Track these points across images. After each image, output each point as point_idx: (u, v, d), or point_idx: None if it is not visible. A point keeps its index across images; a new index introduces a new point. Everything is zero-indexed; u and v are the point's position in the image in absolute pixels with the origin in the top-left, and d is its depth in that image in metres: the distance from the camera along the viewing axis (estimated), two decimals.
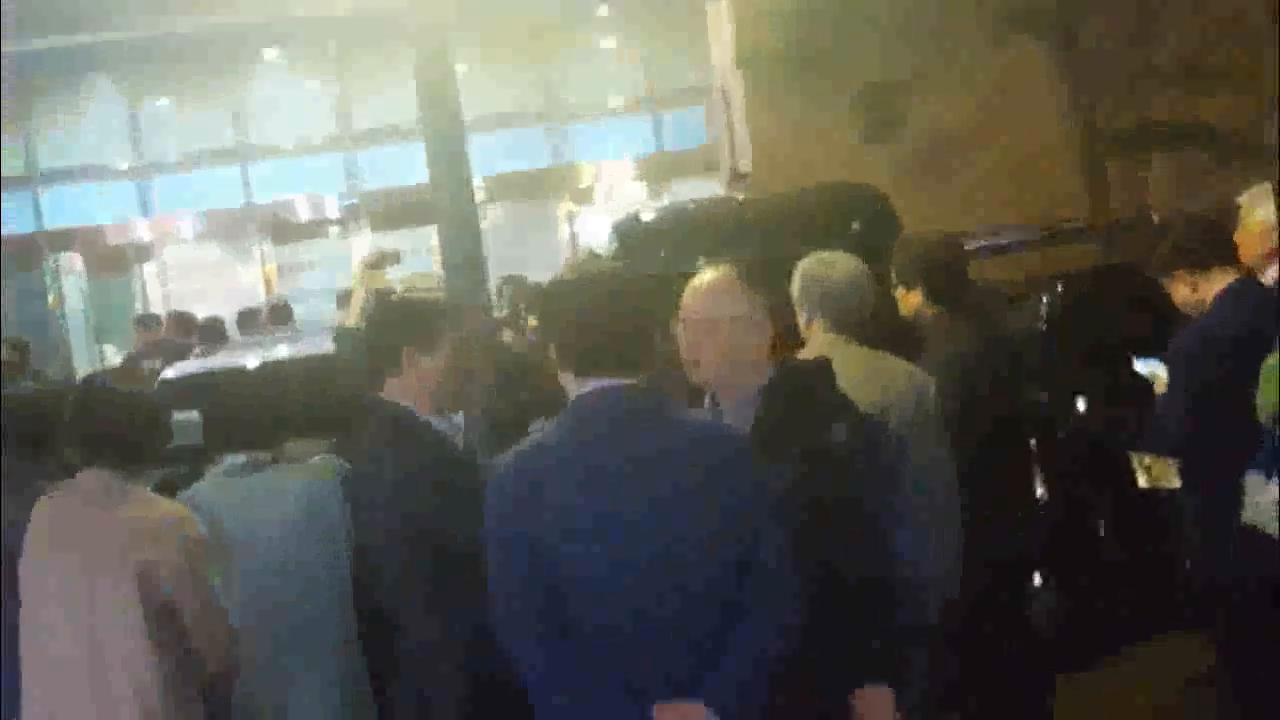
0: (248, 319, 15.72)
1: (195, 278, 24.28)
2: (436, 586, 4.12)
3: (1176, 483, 7.23)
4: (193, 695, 4.42)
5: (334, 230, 25.23)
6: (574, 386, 3.62)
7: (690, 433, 3.63)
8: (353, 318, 7.07)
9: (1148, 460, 7.43)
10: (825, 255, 5.18)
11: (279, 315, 15.65)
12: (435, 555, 4.11)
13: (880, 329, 5.94)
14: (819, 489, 3.91)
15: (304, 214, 24.93)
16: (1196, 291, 5.41)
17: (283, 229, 24.83)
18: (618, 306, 3.59)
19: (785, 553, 3.60)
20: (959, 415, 5.64)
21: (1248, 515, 5.05)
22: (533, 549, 3.47)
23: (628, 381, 3.57)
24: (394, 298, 4.79)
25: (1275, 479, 4.88)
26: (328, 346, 10.85)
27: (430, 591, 4.12)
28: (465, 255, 5.97)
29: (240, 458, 4.86)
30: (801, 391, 4.11)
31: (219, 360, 11.63)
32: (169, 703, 4.33)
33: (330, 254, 24.96)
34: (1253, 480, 5.03)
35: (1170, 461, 7.29)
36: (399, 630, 4.20)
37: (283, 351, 11.96)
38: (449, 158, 6.06)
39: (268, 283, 24.15)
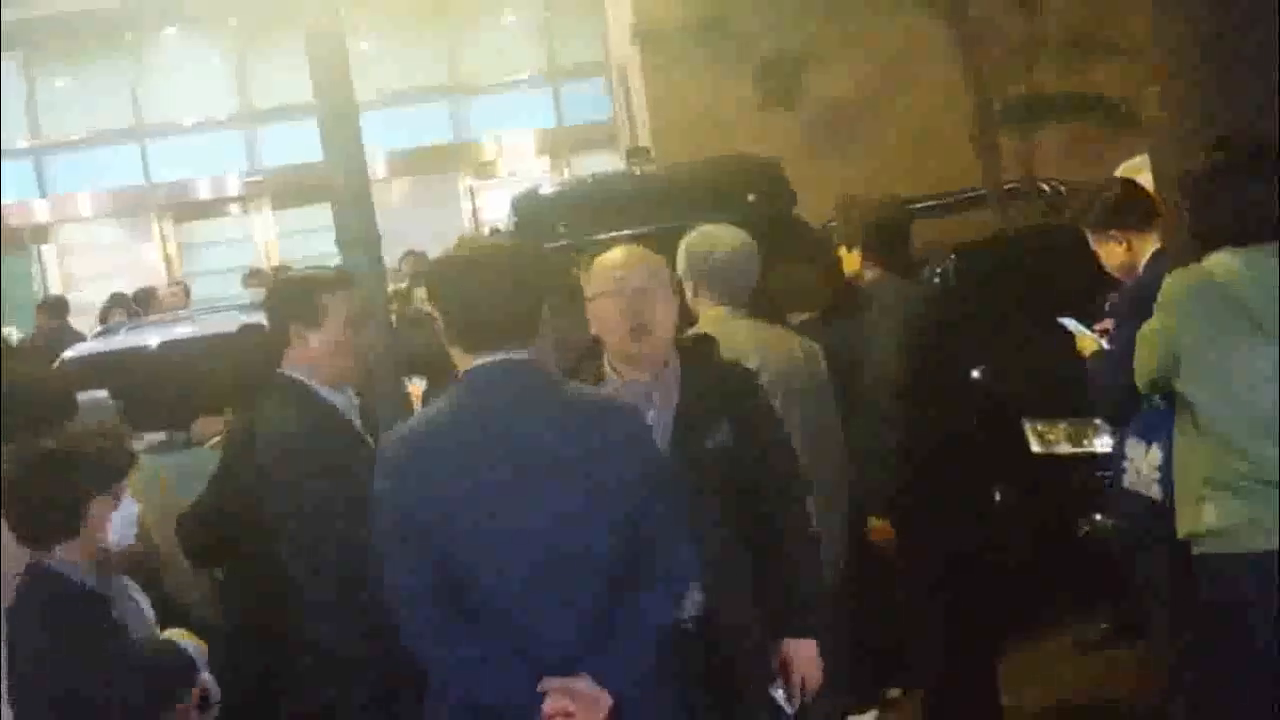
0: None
1: (95, 257, 24.02)
2: (321, 555, 4.18)
3: (1068, 449, 7.49)
4: None
5: (235, 208, 25.03)
6: (462, 361, 3.65)
7: (579, 406, 3.67)
8: None
9: (1040, 426, 7.61)
10: (710, 229, 5.23)
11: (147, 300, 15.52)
12: (319, 524, 4.19)
13: (817, 290, 6.12)
14: (746, 454, 4.10)
15: (204, 192, 24.72)
16: (1130, 252, 5.46)
17: (183, 208, 24.60)
18: (505, 281, 3.60)
19: (676, 522, 3.67)
20: (909, 371, 5.84)
21: (1129, 480, 5.21)
22: (421, 524, 3.49)
23: (516, 355, 3.60)
24: (283, 275, 4.87)
25: (1155, 444, 5.04)
26: (231, 325, 10.90)
27: (315, 559, 4.20)
28: (360, 231, 6.02)
29: (159, 436, 4.97)
30: (715, 365, 4.28)
31: (120, 340, 11.56)
32: None
33: (232, 232, 24.78)
34: (1133, 445, 5.19)
35: (1063, 425, 7.53)
36: (290, 597, 4.27)
37: (184, 331, 11.90)
38: (342, 134, 6.10)
39: (168, 262, 23.93)
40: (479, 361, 3.61)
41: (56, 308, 15.39)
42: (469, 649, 3.49)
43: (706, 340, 4.40)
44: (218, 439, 5.50)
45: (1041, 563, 7.55)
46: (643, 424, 3.81)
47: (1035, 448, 7.68)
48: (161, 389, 5.22)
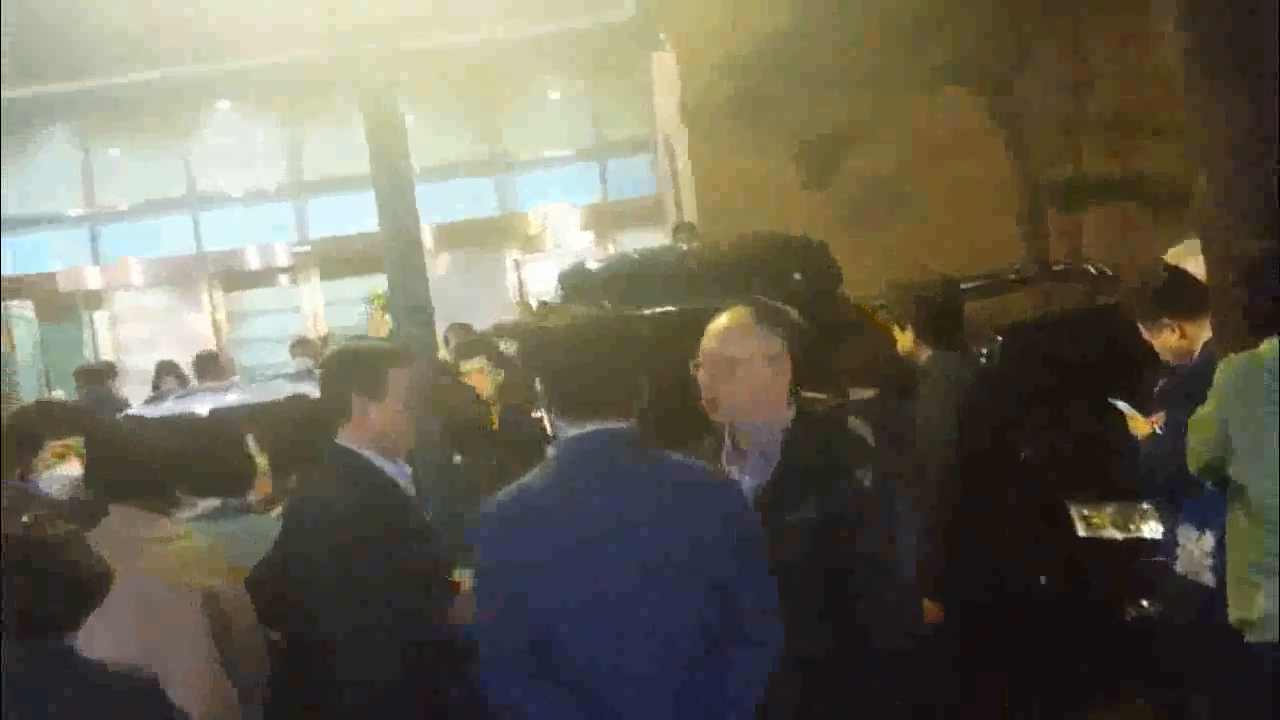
0: (206, 363, 15.69)
1: (145, 324, 24.25)
2: (376, 627, 4.17)
3: (1116, 534, 7.43)
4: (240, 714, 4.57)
5: (283, 278, 25.24)
6: (563, 430, 3.67)
7: (677, 478, 3.66)
8: None
9: (1086, 510, 7.57)
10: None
11: (204, 366, 15.60)
12: (376, 596, 4.17)
13: (878, 369, 6.14)
14: (841, 534, 4.00)
15: (254, 262, 24.95)
16: (1184, 338, 5.44)
17: (233, 276, 24.83)
18: (607, 352, 3.64)
19: (769, 601, 3.66)
20: (961, 450, 5.84)
21: (1181, 566, 5.18)
22: (514, 589, 3.51)
23: (616, 426, 3.62)
24: (341, 346, 4.89)
25: (1208, 530, 5.01)
26: (284, 391, 10.98)
27: (370, 631, 4.18)
28: (413, 303, 6.07)
29: (214, 502, 5.01)
30: (824, 435, 4.19)
31: (168, 407, 11.65)
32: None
33: (280, 302, 24.97)
34: (1185, 532, 5.16)
35: (1109, 509, 7.48)
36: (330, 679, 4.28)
37: (232, 399, 11.99)
38: (398, 207, 6.17)
39: (217, 329, 24.13)
40: (576, 431, 3.63)
41: (98, 374, 15.50)
42: (555, 715, 3.51)
43: (827, 413, 4.36)
44: (276, 509, 5.54)
45: (1086, 648, 7.48)
46: (738, 498, 3.78)
47: (1081, 531, 7.61)
48: (213, 456, 5.23)
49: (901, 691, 4.18)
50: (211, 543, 4.78)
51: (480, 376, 8.16)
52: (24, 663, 3.52)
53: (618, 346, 3.67)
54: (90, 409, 11.30)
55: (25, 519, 3.65)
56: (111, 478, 4.71)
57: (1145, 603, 7.07)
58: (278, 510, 5.62)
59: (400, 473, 4.48)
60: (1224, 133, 5.12)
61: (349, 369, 4.50)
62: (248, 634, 4.64)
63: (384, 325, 8.09)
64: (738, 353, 4.08)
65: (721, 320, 4.16)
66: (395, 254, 6.10)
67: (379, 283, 14.38)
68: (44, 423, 6.06)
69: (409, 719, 4.14)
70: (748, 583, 3.63)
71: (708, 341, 4.15)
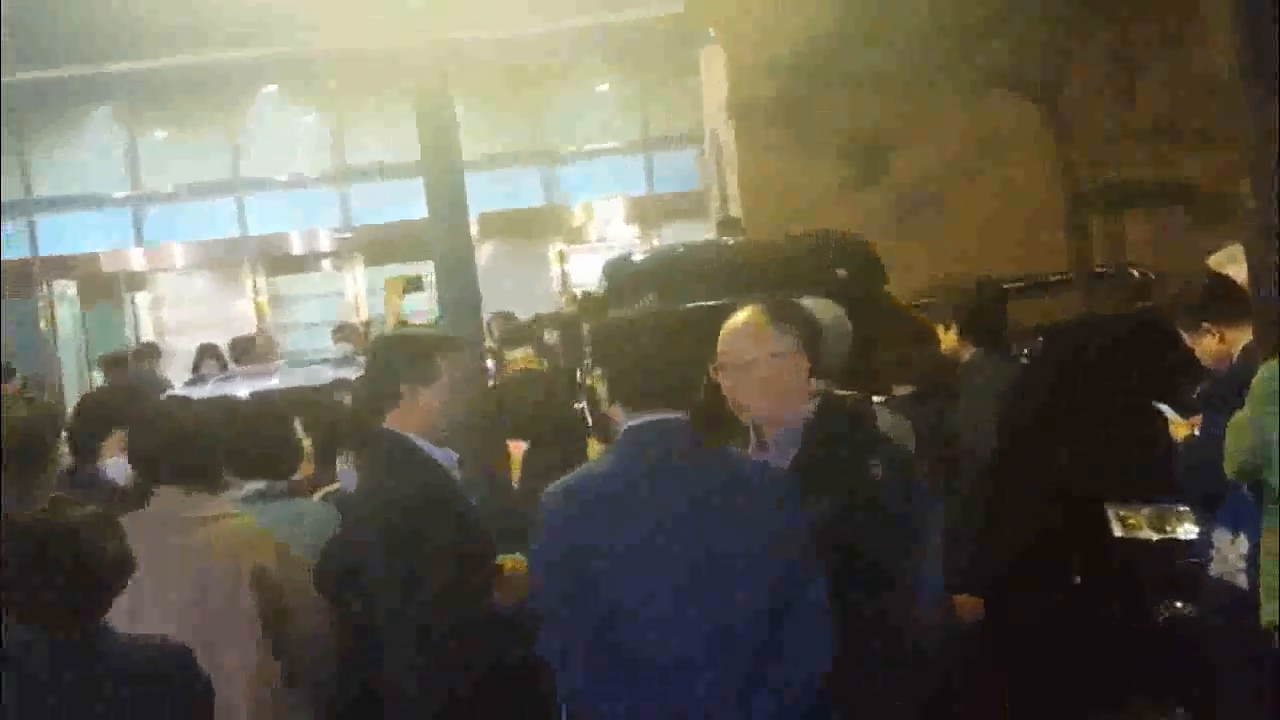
0: (242, 346, 15.86)
1: (187, 307, 24.40)
2: (428, 614, 4.22)
3: (1152, 535, 7.46)
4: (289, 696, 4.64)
5: (326, 264, 25.37)
6: (624, 419, 3.77)
7: (738, 469, 3.79)
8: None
9: (1123, 511, 7.60)
10: (804, 302, 5.29)
11: (241, 349, 15.74)
12: (427, 583, 4.21)
13: (918, 366, 6.19)
14: (861, 522, 4.02)
15: (297, 247, 25.08)
16: (1224, 343, 5.50)
17: (275, 261, 24.95)
18: (670, 343, 3.77)
19: (825, 598, 3.73)
20: (1004, 449, 5.89)
21: (1215, 568, 5.23)
22: (580, 574, 3.60)
23: (675, 416, 3.73)
24: (394, 332, 4.96)
25: (1242, 533, 5.05)
26: (326, 376, 11.08)
27: (421, 619, 4.23)
28: (461, 292, 6.15)
29: (259, 484, 5.10)
30: (843, 430, 4.23)
31: (210, 389, 11.75)
32: (278, 703, 4.56)
33: (322, 287, 25.09)
34: (1219, 534, 5.21)
35: (1146, 510, 7.51)
36: (383, 659, 4.33)
37: (272, 382, 12.09)
38: (447, 197, 6.25)
39: (260, 313, 24.26)
40: (637, 421, 3.74)
41: (145, 354, 15.69)
42: (625, 701, 3.60)
43: (850, 410, 4.40)
44: (320, 492, 5.61)
45: (1120, 648, 7.50)
46: (793, 488, 3.84)
47: (1117, 532, 7.65)
48: (260, 438, 5.31)
49: (903, 691, 4.21)
50: (260, 522, 4.87)
51: (526, 365, 8.25)
52: (44, 647, 3.56)
53: (679, 339, 3.79)
54: (136, 390, 11.44)
55: (42, 507, 3.69)
56: (157, 459, 4.80)
57: (1179, 604, 7.11)
58: (321, 493, 5.72)
59: (446, 457, 4.55)
60: (1271, 140, 5.15)
61: (401, 354, 4.57)
62: (299, 614, 4.72)
63: (397, 308, 8.11)
64: (748, 353, 4.12)
65: (732, 321, 4.20)
66: (443, 244, 6.19)
67: (422, 269, 14.50)
68: (113, 408, 6.08)
69: (458, 698, 4.21)
70: (804, 574, 3.70)
71: (720, 344, 4.19)
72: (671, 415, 3.73)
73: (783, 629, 3.65)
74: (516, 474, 6.33)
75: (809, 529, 3.75)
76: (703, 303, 8.49)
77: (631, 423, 3.74)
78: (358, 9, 19.14)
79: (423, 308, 15.31)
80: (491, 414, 5.95)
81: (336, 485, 5.78)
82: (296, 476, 5.48)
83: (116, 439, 5.70)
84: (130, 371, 14.83)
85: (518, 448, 6.31)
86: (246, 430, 5.34)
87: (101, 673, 3.58)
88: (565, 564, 3.63)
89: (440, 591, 4.18)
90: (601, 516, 3.63)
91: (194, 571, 4.55)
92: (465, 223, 6.29)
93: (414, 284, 8.24)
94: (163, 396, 10.67)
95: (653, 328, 3.80)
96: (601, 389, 3.86)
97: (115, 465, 5.69)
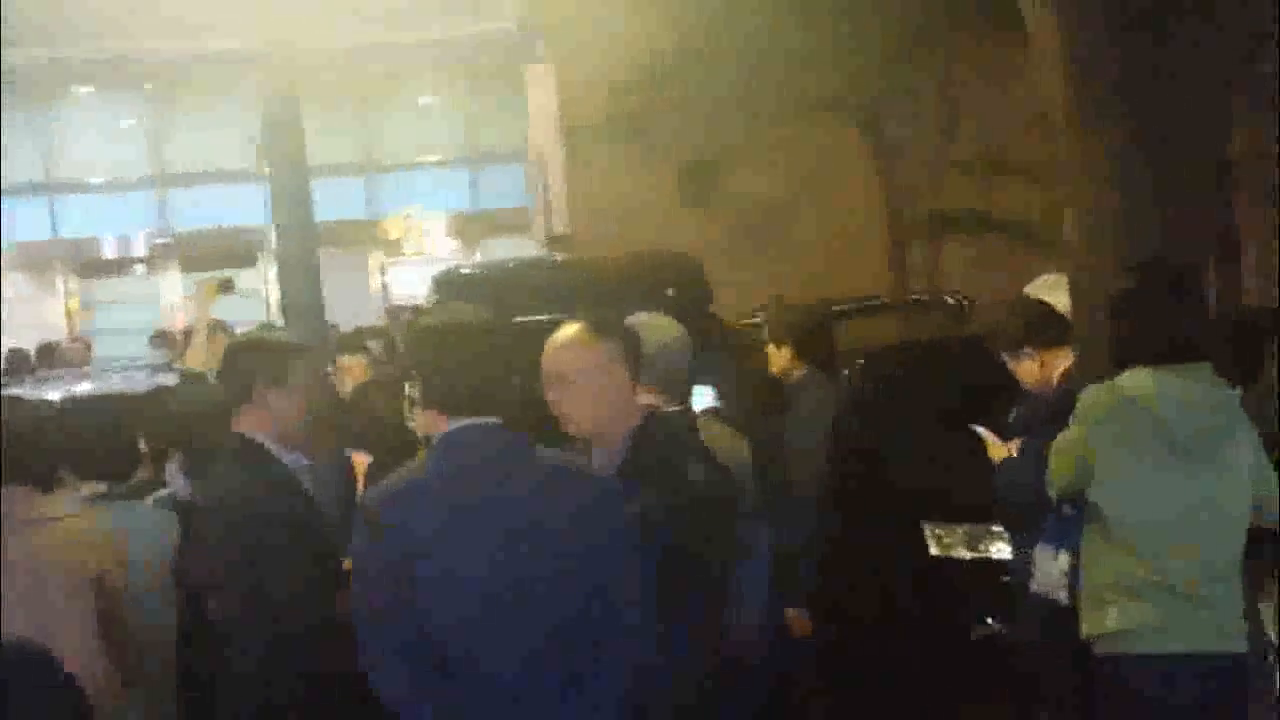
0: (46, 354, 15.50)
1: None
2: (274, 618, 4.20)
3: (966, 554, 7.67)
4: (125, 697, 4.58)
5: (140, 269, 24.90)
6: (437, 424, 3.77)
7: (554, 472, 3.79)
8: (195, 358, 7.18)
9: (939, 530, 7.80)
10: (644, 319, 5.05)
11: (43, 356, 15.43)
12: (269, 588, 4.20)
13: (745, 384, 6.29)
14: (678, 525, 4.08)
15: (110, 251, 24.57)
16: (1044, 367, 5.67)
17: (89, 264, 24.43)
18: (485, 350, 3.77)
19: (641, 594, 3.78)
20: (835, 466, 6.01)
21: (1036, 585, 5.40)
22: (397, 579, 3.58)
23: (492, 421, 3.74)
24: (248, 335, 4.94)
25: (1063, 550, 5.24)
26: (141, 382, 10.87)
27: (267, 623, 4.21)
28: (306, 299, 6.13)
29: (101, 486, 5.03)
30: (665, 436, 4.30)
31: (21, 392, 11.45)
32: (115, 703, 4.50)
33: (137, 292, 24.61)
34: (1041, 551, 5.39)
35: (961, 529, 7.72)
36: (230, 661, 4.34)
37: (85, 388, 11.83)
38: (293, 201, 6.22)
39: (70, 318, 23.71)
40: (456, 425, 3.73)
41: None
42: (445, 704, 3.60)
43: (673, 422, 4.49)
44: (157, 495, 5.55)
45: (937, 665, 7.68)
46: (614, 490, 3.91)
47: (933, 550, 7.84)
48: (103, 439, 5.25)
49: (724, 698, 4.30)
50: (101, 525, 4.81)
51: (359, 372, 8.24)
52: None
53: (496, 346, 3.80)
54: None
55: None
56: None
57: (991, 621, 7.32)
58: (152, 497, 5.66)
59: (296, 461, 4.55)
60: (1095, 172, 5.38)
61: (254, 356, 4.56)
62: (135, 617, 4.69)
63: (208, 310, 8.00)
64: (573, 366, 4.15)
65: (555, 336, 4.23)
66: (289, 249, 6.16)
67: (242, 276, 14.34)
68: None
69: (300, 702, 4.21)
70: (622, 572, 3.76)
71: (545, 357, 4.22)
72: (488, 420, 3.74)
73: (600, 632, 3.69)
74: (361, 485, 6.32)
75: (629, 531, 3.81)
76: (532, 317, 8.53)
77: (451, 427, 3.75)
78: (184, 10, 18.97)
79: (239, 316, 15.14)
80: (340, 423, 5.94)
81: (168, 489, 5.72)
82: (134, 480, 5.42)
83: None
84: None
85: (361, 460, 6.30)
86: (88, 431, 5.28)
87: None
88: (384, 569, 3.62)
89: (286, 596, 4.18)
90: (418, 521, 3.62)
91: (33, 573, 4.49)
92: (311, 228, 6.27)
93: (226, 286, 8.19)
94: None
95: (468, 334, 3.80)
96: (419, 395, 3.87)
97: None
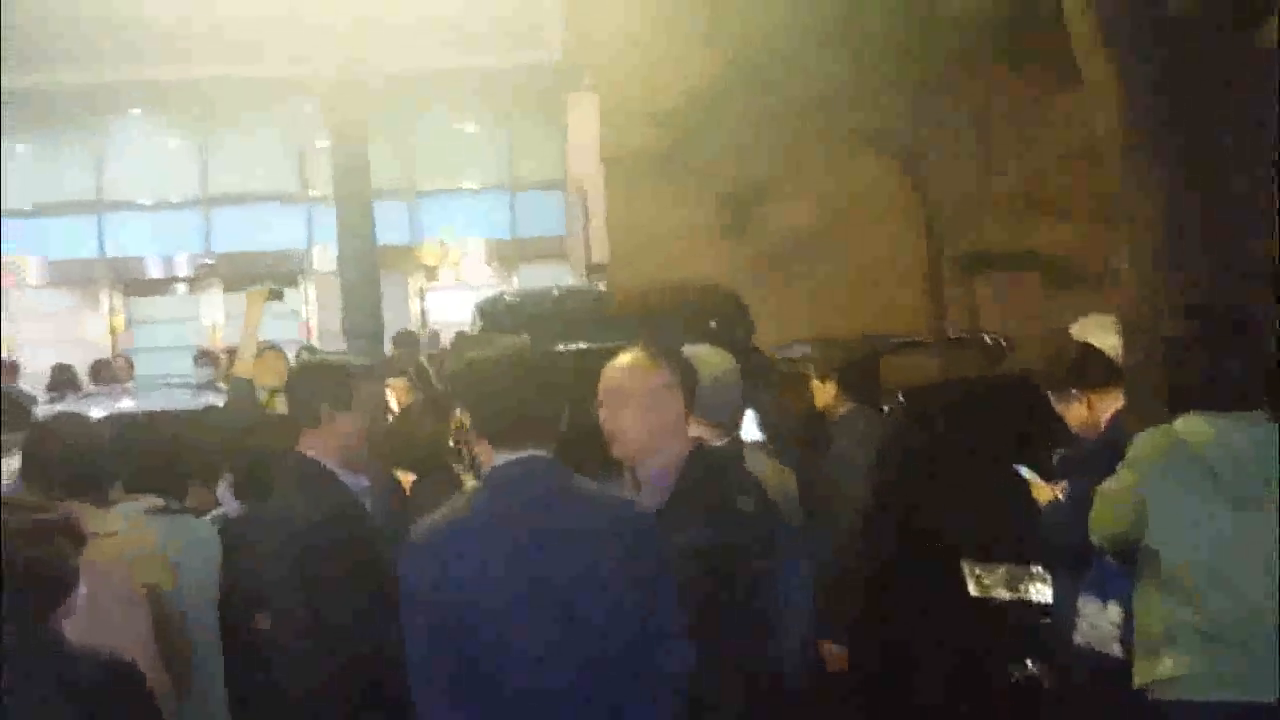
0: (99, 370, 15.68)
1: (40, 324, 23.96)
2: (333, 641, 4.29)
3: (1005, 595, 7.66)
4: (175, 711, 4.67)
5: (182, 288, 25.10)
6: (487, 455, 3.83)
7: (600, 506, 3.83)
8: (243, 366, 7.29)
9: (979, 570, 7.80)
10: (695, 350, 5.18)
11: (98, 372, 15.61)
12: (333, 611, 4.29)
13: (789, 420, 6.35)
14: (727, 556, 4.16)
15: (155, 270, 24.78)
16: (1092, 409, 5.63)
17: (133, 283, 24.63)
18: (534, 381, 3.82)
19: (682, 625, 3.83)
20: (880, 502, 6.05)
21: (1081, 638, 5.38)
22: (446, 615, 3.63)
23: (539, 453, 3.78)
24: (312, 358, 5.03)
25: (1113, 601, 5.19)
26: (183, 401, 10.98)
27: (326, 645, 4.30)
28: (367, 321, 6.21)
29: (155, 501, 5.12)
30: (715, 467, 4.38)
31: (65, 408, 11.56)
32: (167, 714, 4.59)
33: (179, 312, 24.80)
34: (1086, 602, 5.37)
35: (1001, 570, 7.71)
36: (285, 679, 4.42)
37: (129, 404, 11.95)
38: (357, 225, 6.31)
39: (114, 335, 23.90)
40: (504, 458, 3.79)
41: (8, 371, 15.53)
42: None
43: (714, 452, 4.57)
44: (216, 511, 5.65)
45: (972, 705, 7.67)
46: (653, 525, 3.94)
47: (972, 591, 7.84)
48: (158, 454, 5.34)
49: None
50: (154, 539, 4.91)
51: (402, 394, 8.35)
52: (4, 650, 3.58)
53: (540, 378, 3.84)
54: (12, 399, 11.29)
55: None
56: (52, 471, 4.82)
57: (1030, 664, 7.32)
58: (211, 513, 5.76)
59: (357, 484, 4.63)
60: (1150, 214, 5.38)
61: (320, 379, 4.65)
62: (187, 631, 4.77)
63: (257, 320, 8.03)
64: (631, 387, 4.25)
65: (616, 359, 4.33)
66: (351, 272, 6.23)
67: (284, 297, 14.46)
68: None
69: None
70: (664, 606, 3.79)
71: (604, 378, 4.32)
72: (537, 453, 3.79)
73: (643, 664, 3.74)
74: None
75: (670, 564, 3.85)
76: (576, 345, 8.61)
77: (498, 460, 3.80)
78: (236, 33, 19.17)
79: (279, 336, 15.23)
80: (388, 444, 6.02)
81: (220, 508, 5.83)
82: (201, 498, 5.52)
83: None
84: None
85: (407, 479, 6.39)
86: (142, 447, 5.36)
87: (48, 678, 3.60)
88: (431, 601, 3.66)
89: (349, 620, 4.26)
90: (467, 554, 3.67)
91: (89, 587, 4.58)
92: (373, 251, 6.36)
93: (275, 294, 8.32)
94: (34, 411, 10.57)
95: (512, 366, 3.84)
96: (470, 426, 3.92)
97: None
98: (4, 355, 20.65)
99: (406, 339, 16.11)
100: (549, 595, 3.65)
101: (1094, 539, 4.98)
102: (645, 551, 3.80)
